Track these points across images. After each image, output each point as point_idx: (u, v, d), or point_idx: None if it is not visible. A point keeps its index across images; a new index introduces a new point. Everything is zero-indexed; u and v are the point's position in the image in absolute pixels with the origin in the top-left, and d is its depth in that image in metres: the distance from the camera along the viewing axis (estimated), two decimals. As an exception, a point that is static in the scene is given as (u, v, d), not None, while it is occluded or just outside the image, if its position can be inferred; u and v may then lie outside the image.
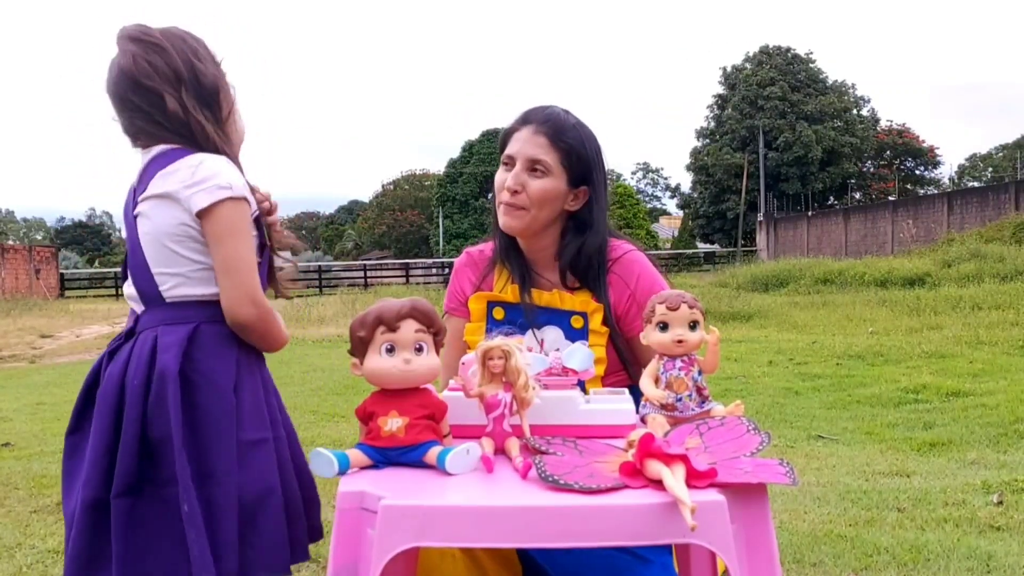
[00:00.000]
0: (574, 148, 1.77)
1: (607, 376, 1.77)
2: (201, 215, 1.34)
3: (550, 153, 1.76)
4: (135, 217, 1.40)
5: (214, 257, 1.36)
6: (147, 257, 1.38)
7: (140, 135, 1.43)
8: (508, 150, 1.81)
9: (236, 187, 1.36)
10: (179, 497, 1.30)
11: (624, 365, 1.80)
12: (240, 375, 1.39)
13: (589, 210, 1.81)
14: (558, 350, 1.58)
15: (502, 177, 1.80)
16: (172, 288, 1.38)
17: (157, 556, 1.31)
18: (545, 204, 1.77)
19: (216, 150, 1.41)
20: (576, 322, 1.77)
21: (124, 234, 1.44)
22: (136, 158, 1.46)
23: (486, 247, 1.95)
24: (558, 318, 1.79)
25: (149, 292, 1.39)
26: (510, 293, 1.83)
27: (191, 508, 1.29)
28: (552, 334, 1.78)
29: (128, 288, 1.43)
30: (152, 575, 1.31)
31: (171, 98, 1.39)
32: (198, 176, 1.35)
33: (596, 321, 1.76)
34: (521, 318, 1.79)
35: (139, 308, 1.42)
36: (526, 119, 1.81)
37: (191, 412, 1.33)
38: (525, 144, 1.77)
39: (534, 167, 1.76)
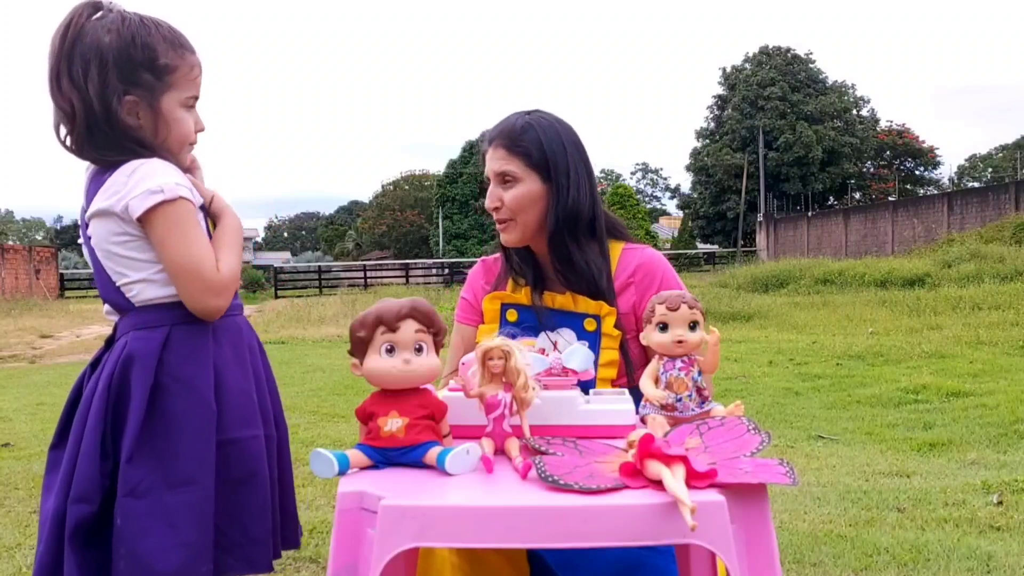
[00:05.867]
0: (531, 148, 1.79)
1: (619, 379, 1.76)
2: (140, 222, 1.33)
3: (512, 161, 1.80)
4: (88, 238, 1.39)
5: (163, 262, 1.35)
6: (107, 270, 1.37)
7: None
8: (485, 172, 1.88)
9: (168, 188, 1.33)
10: (115, 511, 1.30)
11: (628, 370, 1.77)
12: (222, 374, 1.38)
13: (556, 193, 1.80)
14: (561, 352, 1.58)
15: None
16: (139, 293, 1.37)
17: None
18: (526, 208, 1.80)
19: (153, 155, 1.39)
20: (589, 324, 1.77)
21: (87, 256, 1.43)
22: None
23: (501, 256, 1.95)
24: (571, 320, 1.79)
25: (119, 302, 1.39)
26: (524, 295, 1.84)
27: (123, 522, 1.29)
28: (566, 335, 1.78)
29: (104, 306, 1.44)
30: None
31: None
32: (129, 184, 1.33)
33: (609, 324, 1.76)
34: (534, 320, 1.80)
35: (116, 317, 1.42)
36: (488, 138, 1.86)
37: (163, 419, 1.32)
38: (491, 162, 1.84)
39: (504, 179, 1.81)
